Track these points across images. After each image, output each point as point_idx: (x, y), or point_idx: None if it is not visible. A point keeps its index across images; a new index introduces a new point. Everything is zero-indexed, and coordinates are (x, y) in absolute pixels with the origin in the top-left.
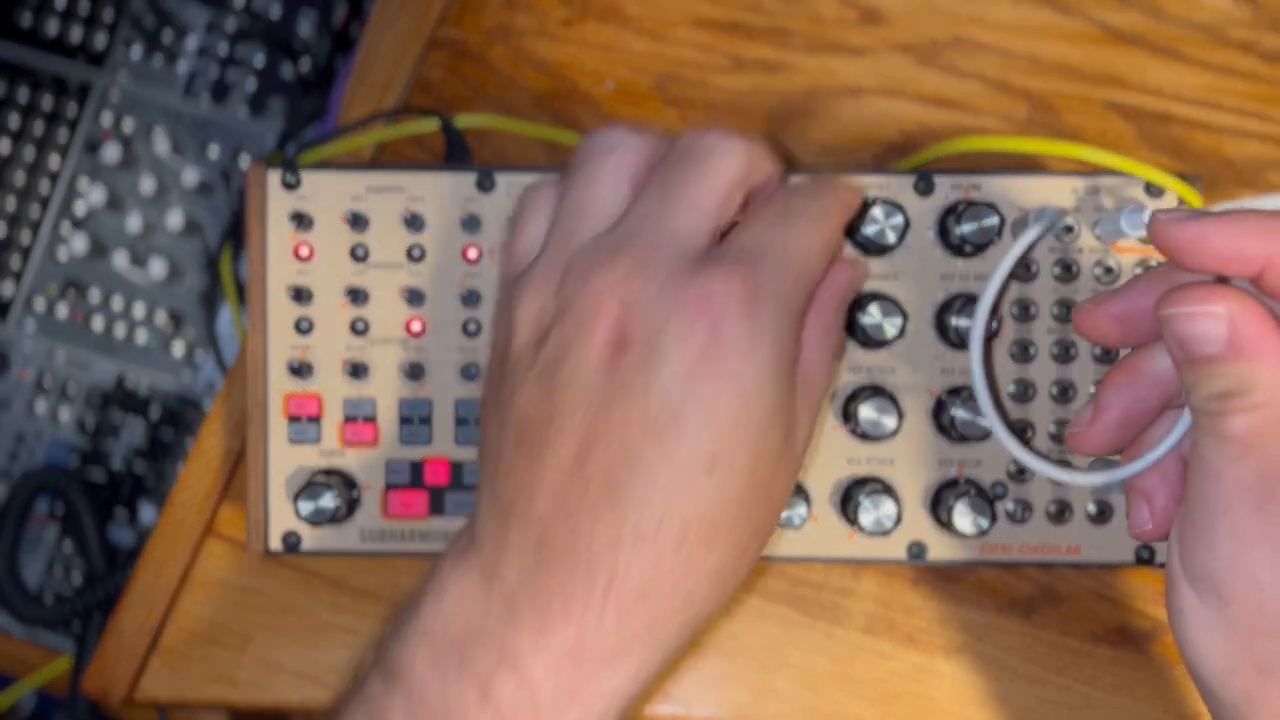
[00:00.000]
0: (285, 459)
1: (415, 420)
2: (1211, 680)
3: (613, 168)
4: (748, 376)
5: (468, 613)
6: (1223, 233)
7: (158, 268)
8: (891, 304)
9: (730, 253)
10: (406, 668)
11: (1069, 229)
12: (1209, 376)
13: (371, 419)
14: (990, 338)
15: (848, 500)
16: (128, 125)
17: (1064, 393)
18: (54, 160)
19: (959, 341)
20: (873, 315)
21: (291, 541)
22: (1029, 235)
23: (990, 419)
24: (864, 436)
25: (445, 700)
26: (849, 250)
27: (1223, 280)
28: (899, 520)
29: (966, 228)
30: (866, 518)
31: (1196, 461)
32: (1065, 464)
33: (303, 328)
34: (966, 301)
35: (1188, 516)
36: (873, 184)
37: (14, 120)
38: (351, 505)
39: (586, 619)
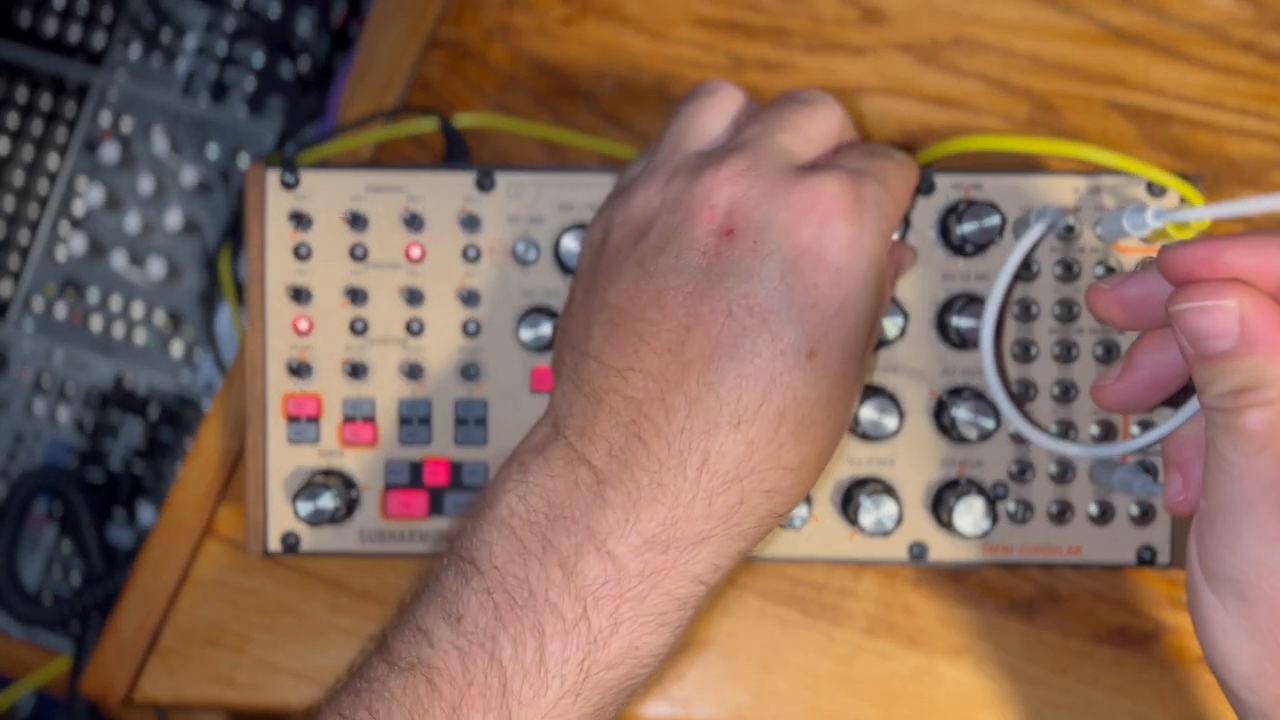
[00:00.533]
0: (284, 459)
1: (415, 420)
2: (1239, 686)
3: (717, 108)
4: (849, 275)
5: (552, 495)
6: (1236, 250)
7: (156, 268)
8: (892, 304)
9: (834, 167)
10: (484, 556)
11: (1070, 228)
12: (1222, 373)
13: (371, 419)
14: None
15: (848, 501)
16: (126, 125)
17: (1065, 392)
18: (52, 160)
19: (960, 341)
20: None
21: (290, 542)
22: (1034, 232)
23: (995, 390)
24: (865, 437)
25: (528, 582)
26: None
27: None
28: (900, 521)
29: (968, 227)
30: (867, 518)
31: (1214, 460)
32: (1068, 465)
33: (302, 327)
34: (968, 301)
35: (1206, 518)
36: None
37: (12, 120)
38: (351, 506)
39: (679, 499)
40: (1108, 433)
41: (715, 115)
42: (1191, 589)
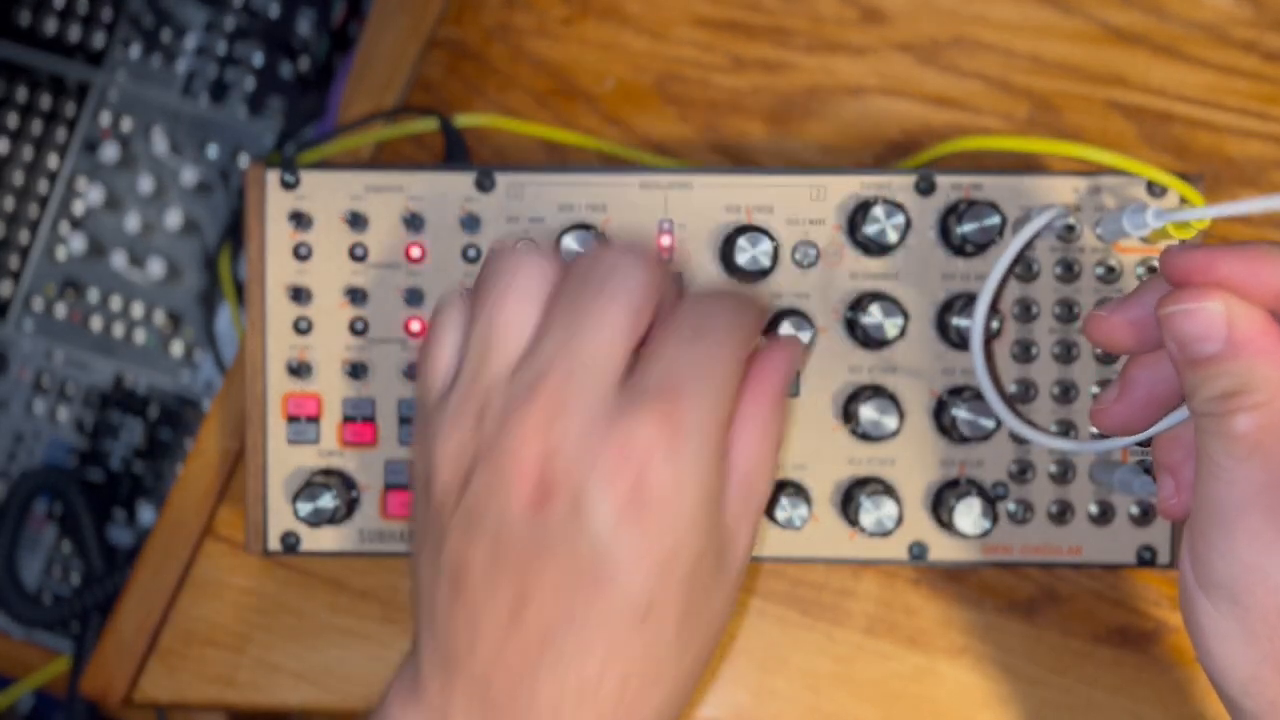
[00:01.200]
0: (284, 459)
1: (414, 420)
2: (1236, 692)
3: (519, 293)
4: (676, 519)
5: None
6: (1233, 260)
7: (156, 267)
8: (892, 304)
9: (647, 387)
10: None
11: (1070, 228)
12: (1210, 377)
13: (371, 419)
14: (992, 338)
15: (848, 500)
16: (126, 125)
17: (1065, 393)
18: (52, 160)
19: (960, 341)
20: (873, 315)
21: (290, 542)
22: (1032, 226)
23: (988, 392)
24: (865, 437)
25: None
26: (848, 249)
27: None
28: (900, 521)
29: (968, 227)
30: (867, 518)
31: (1204, 465)
32: (1068, 465)
33: (302, 327)
34: (968, 301)
35: (1197, 523)
36: (873, 184)
37: (12, 120)
38: (351, 505)
39: None
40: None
41: (517, 309)
42: (1184, 594)
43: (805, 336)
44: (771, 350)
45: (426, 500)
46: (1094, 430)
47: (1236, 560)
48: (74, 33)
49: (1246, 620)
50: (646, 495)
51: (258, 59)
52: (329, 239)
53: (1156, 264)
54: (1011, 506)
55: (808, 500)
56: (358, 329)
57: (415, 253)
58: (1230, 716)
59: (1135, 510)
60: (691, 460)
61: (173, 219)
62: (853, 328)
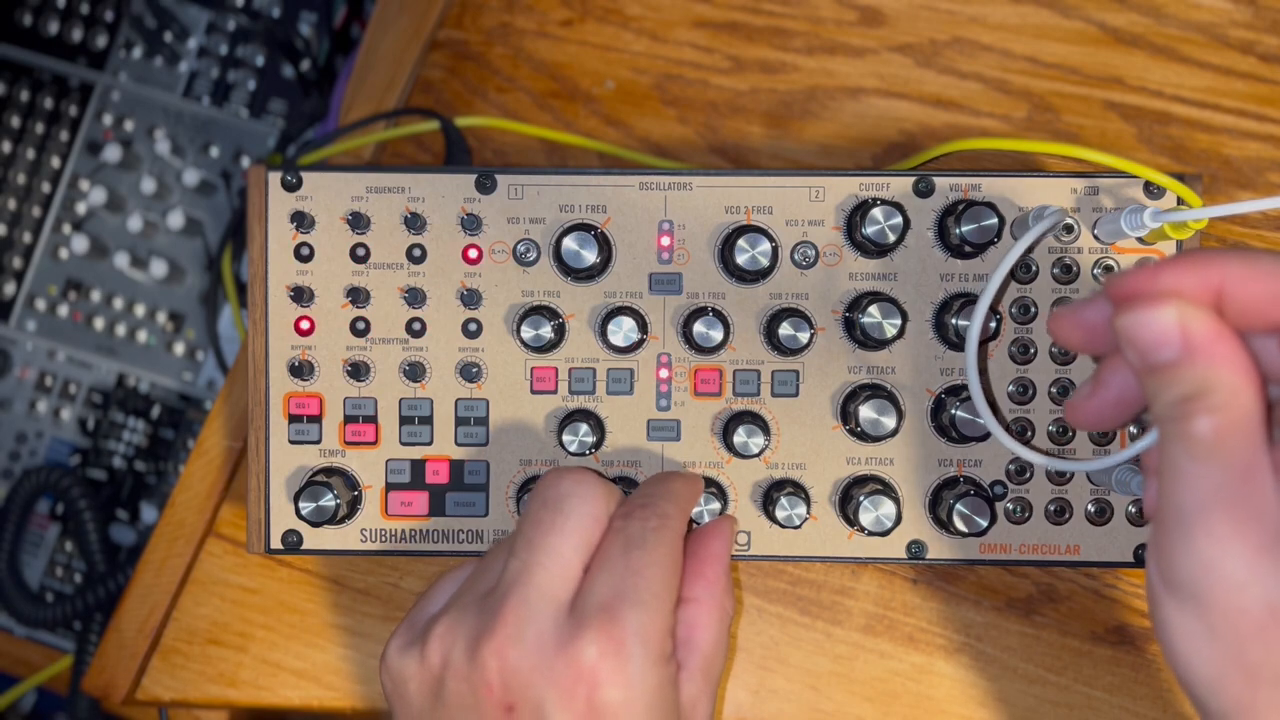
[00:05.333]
0: (286, 459)
1: (415, 420)
2: (1202, 691)
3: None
4: None
5: None
6: (1172, 272)
7: (158, 268)
8: (891, 304)
9: (590, 607)
10: None
11: (1069, 229)
12: (1169, 382)
13: (372, 419)
14: (990, 338)
15: (847, 500)
16: (128, 126)
17: (1064, 393)
18: (55, 161)
19: (958, 341)
20: (872, 315)
21: (292, 541)
22: (1035, 231)
23: (980, 408)
24: (863, 436)
25: None
26: (847, 249)
27: None
28: (898, 520)
29: (966, 228)
30: (866, 517)
31: (1166, 468)
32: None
33: (303, 328)
34: (966, 301)
35: (1161, 525)
36: (872, 185)
37: (15, 120)
38: (352, 505)
39: None
40: (1106, 436)
41: (499, 547)
42: (1151, 595)
43: (717, 507)
44: (709, 534)
45: (402, 705)
46: (1075, 430)
47: (1197, 560)
48: (76, 34)
49: (1209, 619)
50: (601, 710)
51: (259, 60)
52: (330, 239)
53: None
54: (1009, 506)
55: (806, 500)
56: (359, 329)
57: (416, 253)
58: (1199, 716)
59: (1132, 510)
60: (639, 670)
61: (175, 220)
62: (851, 328)
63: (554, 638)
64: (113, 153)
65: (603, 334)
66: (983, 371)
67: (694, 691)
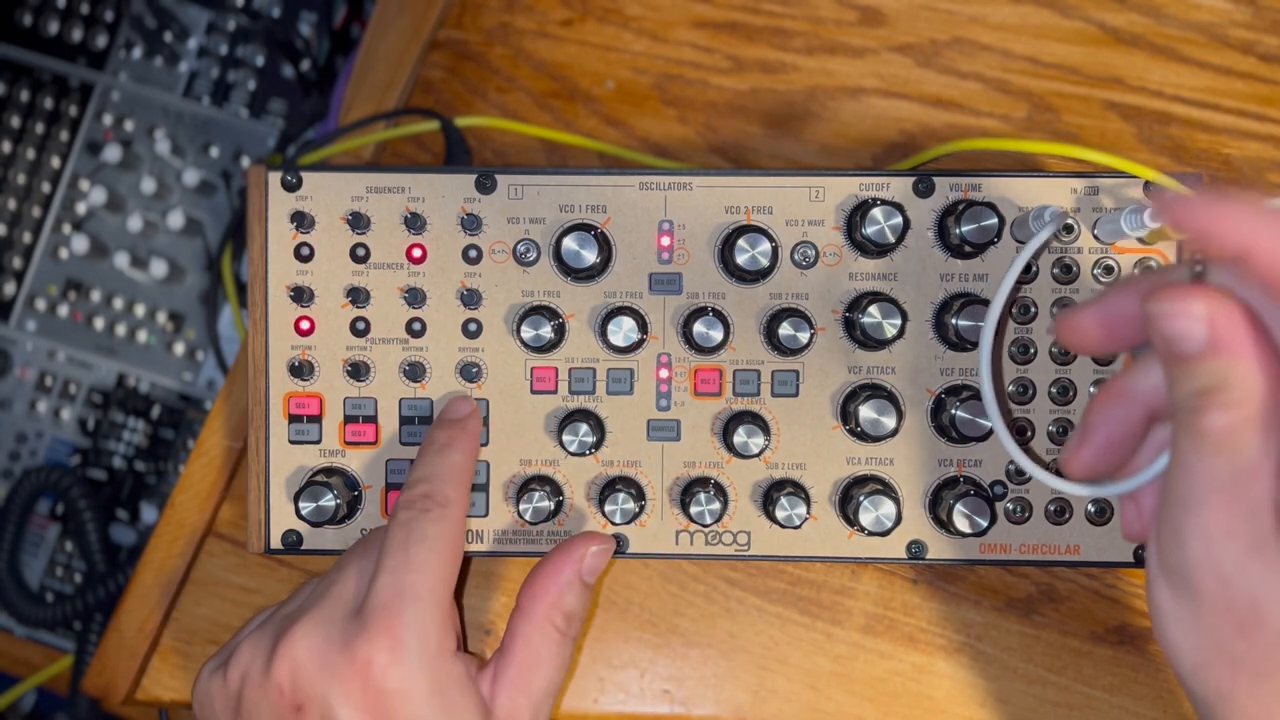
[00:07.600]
0: (286, 459)
1: (415, 420)
2: (1188, 676)
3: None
4: (410, 710)
5: None
6: (1214, 211)
7: (158, 268)
8: (891, 304)
9: (373, 610)
10: None
11: (1069, 229)
12: (1189, 374)
13: (372, 419)
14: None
15: (847, 500)
16: (128, 126)
17: (1064, 393)
18: (55, 161)
19: (958, 341)
20: (872, 315)
21: (292, 541)
22: (1039, 238)
23: (997, 427)
24: (863, 436)
25: None
26: (847, 249)
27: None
28: (898, 520)
29: (966, 228)
30: (866, 517)
31: (1174, 457)
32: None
33: (303, 328)
34: (966, 302)
35: (1164, 511)
36: (872, 185)
37: (15, 120)
38: (352, 505)
39: None
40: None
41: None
42: (1149, 580)
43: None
44: (560, 551)
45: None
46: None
47: (1191, 550)
48: (76, 34)
49: (1198, 608)
50: (380, 696)
51: (259, 60)
52: (330, 239)
53: (1154, 264)
54: (1009, 506)
55: (806, 500)
56: (359, 329)
57: (416, 253)
58: (1188, 699)
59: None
60: (417, 662)
61: (175, 220)
62: (851, 328)
63: (340, 638)
64: (113, 153)
65: (603, 334)
66: (1000, 396)
67: (509, 704)
